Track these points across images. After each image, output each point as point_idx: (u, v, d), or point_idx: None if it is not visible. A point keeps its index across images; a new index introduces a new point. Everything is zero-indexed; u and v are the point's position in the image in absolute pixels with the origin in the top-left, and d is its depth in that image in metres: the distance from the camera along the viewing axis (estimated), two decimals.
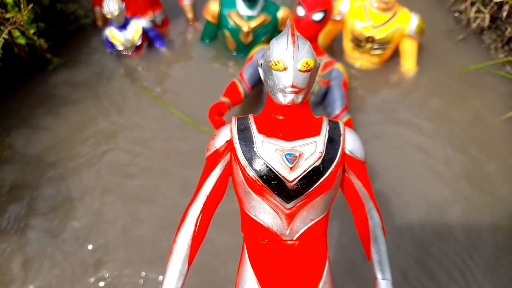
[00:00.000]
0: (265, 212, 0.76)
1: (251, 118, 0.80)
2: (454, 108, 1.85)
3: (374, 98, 1.90)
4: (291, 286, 0.76)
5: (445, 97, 1.91)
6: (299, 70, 0.73)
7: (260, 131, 0.76)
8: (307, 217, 0.76)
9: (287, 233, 0.76)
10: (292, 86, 0.73)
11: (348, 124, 1.65)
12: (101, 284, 1.28)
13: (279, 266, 0.77)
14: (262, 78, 0.79)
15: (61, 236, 1.38)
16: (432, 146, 1.70)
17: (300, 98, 0.76)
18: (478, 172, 1.62)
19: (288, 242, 0.77)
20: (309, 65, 0.73)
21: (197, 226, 0.76)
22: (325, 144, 0.76)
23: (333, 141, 0.77)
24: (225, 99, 1.55)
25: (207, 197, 0.78)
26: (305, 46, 0.75)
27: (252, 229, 0.78)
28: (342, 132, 0.79)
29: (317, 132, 0.77)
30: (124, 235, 1.39)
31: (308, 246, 0.77)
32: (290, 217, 0.76)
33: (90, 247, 1.36)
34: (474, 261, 1.36)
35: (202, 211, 0.77)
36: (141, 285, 1.27)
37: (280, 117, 0.78)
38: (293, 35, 0.74)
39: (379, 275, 0.78)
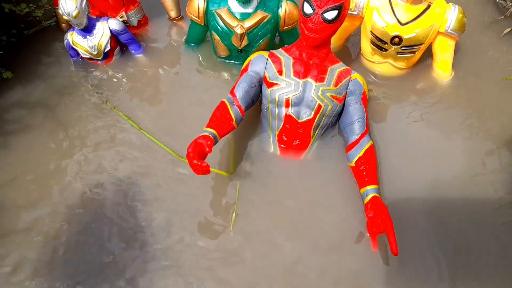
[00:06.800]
0: None
1: None
2: (496, 121, 1.51)
3: (399, 110, 1.54)
4: None
5: (487, 107, 1.55)
6: None
7: None
8: None
9: None
10: None
11: (370, 152, 1.29)
12: None
13: None
14: None
15: None
16: (466, 165, 1.39)
17: None
18: None
19: None
20: None
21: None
22: None
23: None
24: (209, 131, 1.17)
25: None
26: None
27: None
28: None
29: None
30: None
31: None
32: None
33: None
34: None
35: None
36: None
37: None
38: None
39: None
